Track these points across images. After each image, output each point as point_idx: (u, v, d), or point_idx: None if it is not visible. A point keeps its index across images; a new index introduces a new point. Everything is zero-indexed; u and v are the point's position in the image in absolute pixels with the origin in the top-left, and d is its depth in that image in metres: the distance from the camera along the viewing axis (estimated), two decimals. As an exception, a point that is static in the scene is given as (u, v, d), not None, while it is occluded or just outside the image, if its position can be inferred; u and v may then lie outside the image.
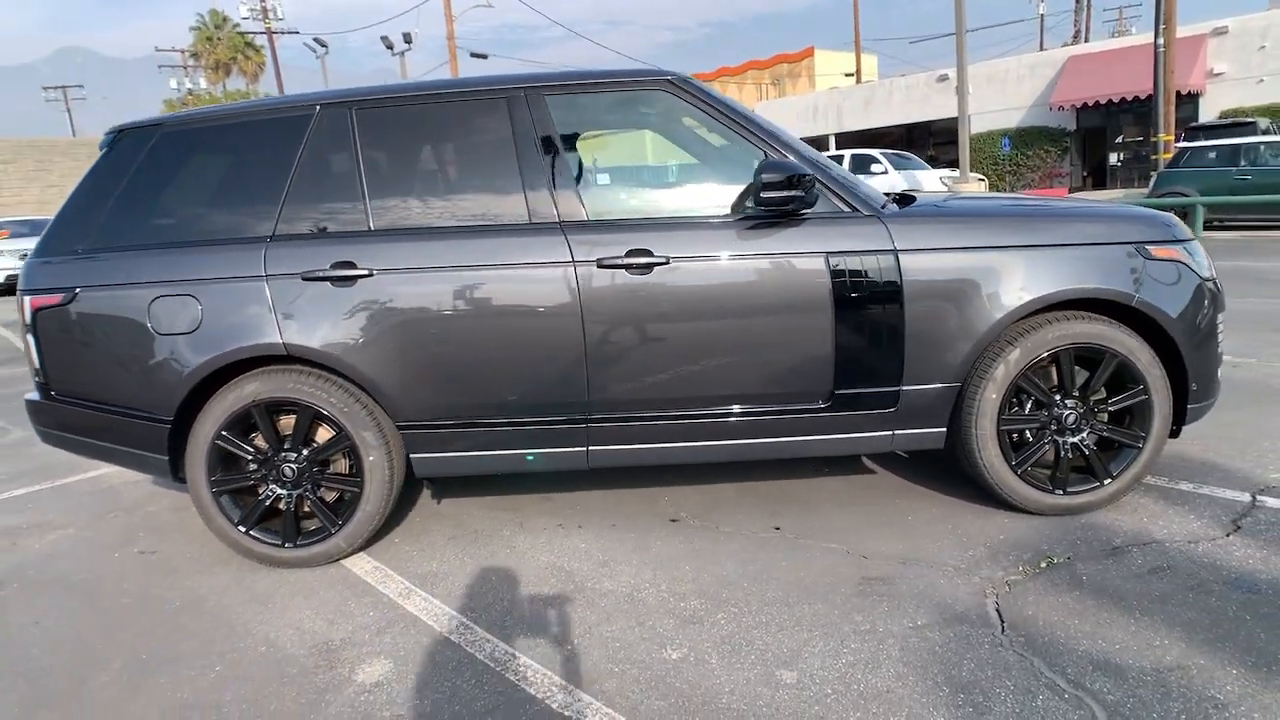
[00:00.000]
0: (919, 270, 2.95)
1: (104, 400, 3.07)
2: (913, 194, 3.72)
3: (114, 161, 3.12)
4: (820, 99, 34.11)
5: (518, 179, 2.99)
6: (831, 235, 2.96)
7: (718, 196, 3.12)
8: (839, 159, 18.58)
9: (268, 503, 3.09)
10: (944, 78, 28.43)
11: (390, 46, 32.58)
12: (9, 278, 16.10)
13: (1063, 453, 3.12)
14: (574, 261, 2.93)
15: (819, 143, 30.76)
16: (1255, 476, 3.39)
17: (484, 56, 36.43)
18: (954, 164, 22.83)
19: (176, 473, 3.10)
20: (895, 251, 2.95)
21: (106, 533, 3.65)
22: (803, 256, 2.94)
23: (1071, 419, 3.10)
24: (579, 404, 3.03)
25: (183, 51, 49.95)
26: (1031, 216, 3.07)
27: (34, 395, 3.17)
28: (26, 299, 3.06)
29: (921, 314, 2.97)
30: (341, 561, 3.16)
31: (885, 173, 17.86)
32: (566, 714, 2.18)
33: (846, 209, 2.99)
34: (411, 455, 3.10)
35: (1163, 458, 3.60)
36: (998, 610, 2.53)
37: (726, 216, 2.98)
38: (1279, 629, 2.32)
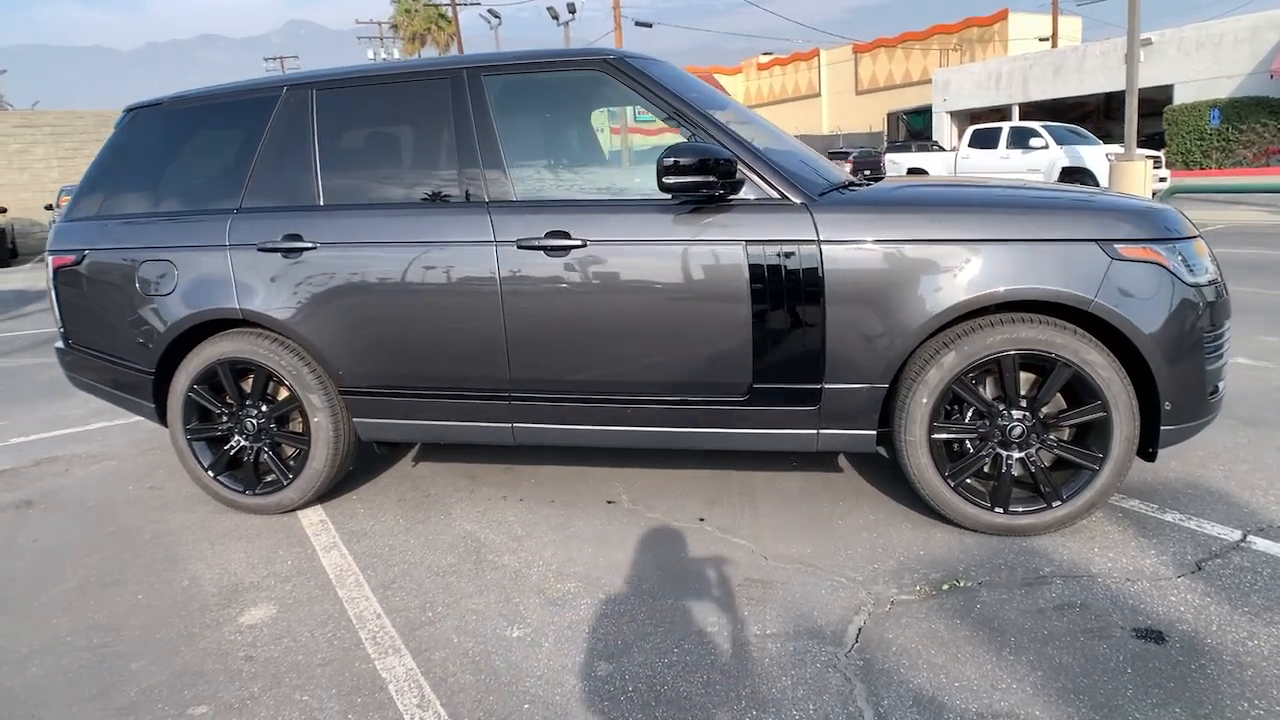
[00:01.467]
0: (842, 263, 2.77)
1: (106, 351, 3.49)
2: (891, 175, 3.46)
3: (124, 136, 3.51)
4: (1004, 65, 31.49)
5: (454, 158, 3.08)
6: (753, 223, 2.83)
7: (648, 180, 3.06)
8: (994, 133, 17.27)
9: (232, 452, 3.41)
10: (1147, 42, 25.44)
11: (555, 17, 33.50)
12: None
13: (1005, 468, 2.85)
14: (495, 241, 2.99)
15: (1003, 113, 28.47)
16: (1260, 511, 2.95)
17: (649, 25, 36.63)
18: (1154, 140, 20.33)
19: (163, 419, 3.48)
20: (818, 242, 2.78)
21: (136, 467, 4.15)
22: (720, 245, 2.84)
23: (1017, 432, 2.82)
24: (502, 381, 3.10)
25: (380, 24, 53.57)
26: (978, 207, 2.78)
27: (59, 344, 3.66)
28: (50, 258, 3.52)
29: (844, 309, 2.79)
30: (297, 512, 3.44)
31: (1045, 147, 16.40)
32: (382, 675, 2.30)
33: (776, 195, 2.85)
34: (354, 419, 3.30)
35: (1168, 480, 3.21)
36: (859, 630, 2.38)
37: (649, 201, 2.92)
38: (1150, 687, 2.05)
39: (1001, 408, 2.82)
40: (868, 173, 29.00)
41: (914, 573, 2.68)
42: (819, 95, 46.79)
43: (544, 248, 2.95)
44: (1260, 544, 2.74)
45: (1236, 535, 2.80)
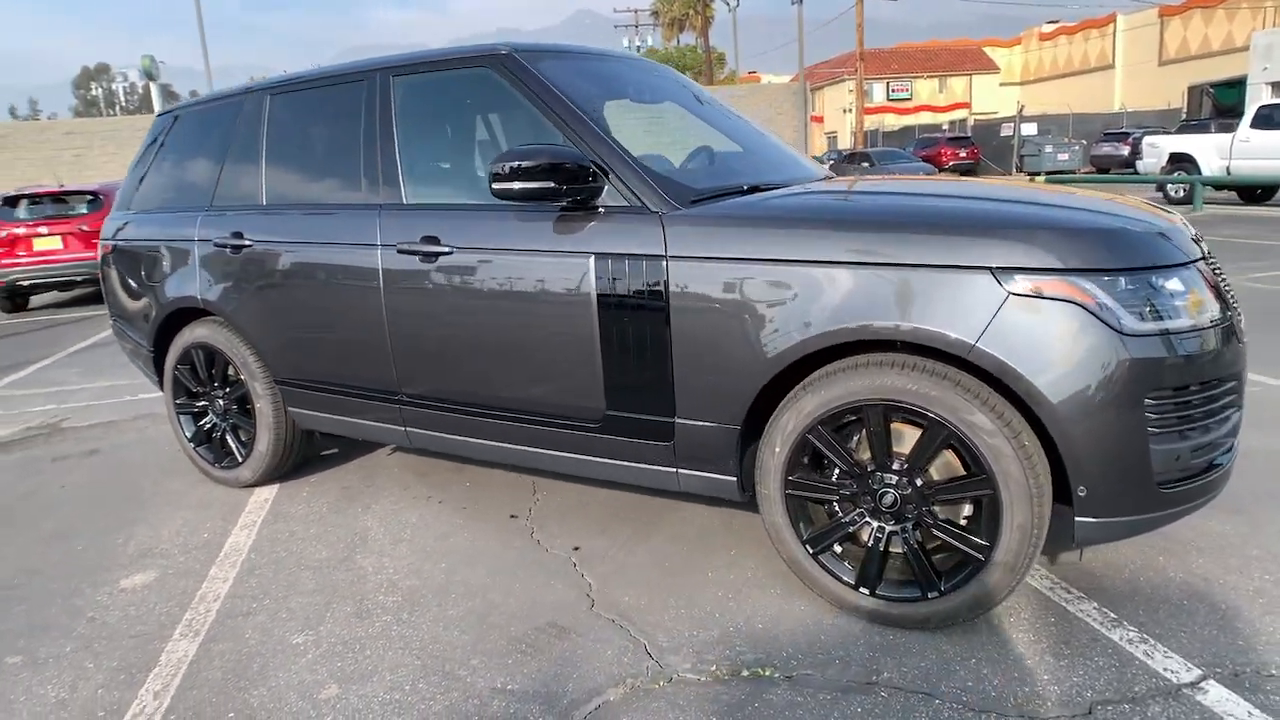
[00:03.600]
0: (689, 282, 2.42)
1: (128, 327, 3.99)
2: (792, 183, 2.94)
3: (150, 136, 3.96)
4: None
5: (359, 161, 3.11)
6: (605, 233, 2.55)
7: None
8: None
9: (206, 428, 3.75)
10: None
11: (800, -3, 32.60)
12: None
13: (874, 543, 2.33)
14: (380, 245, 2.98)
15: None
16: (1251, 642, 2.15)
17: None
18: None
19: (167, 391, 3.92)
20: (665, 258, 2.45)
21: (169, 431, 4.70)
22: (571, 256, 2.60)
23: (888, 500, 2.29)
24: (392, 384, 3.10)
25: (636, 12, 55.48)
26: (845, 222, 2.26)
27: (111, 321, 4.24)
28: (101, 244, 4.08)
29: (690, 336, 2.44)
30: (255, 489, 3.71)
31: None
32: (159, 658, 2.42)
33: (635, 203, 2.55)
34: (288, 408, 3.49)
35: (1161, 580, 2.48)
36: (599, 705, 2.09)
37: (511, 207, 2.74)
38: None
39: (872, 469, 2.31)
40: (867, 165, 24.89)
41: (729, 649, 2.30)
42: (1111, 68, 41.16)
43: (418, 253, 2.89)
44: (1215, 693, 2.00)
45: (1190, 676, 2.07)
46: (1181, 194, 14.64)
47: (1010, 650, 2.22)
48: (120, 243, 3.92)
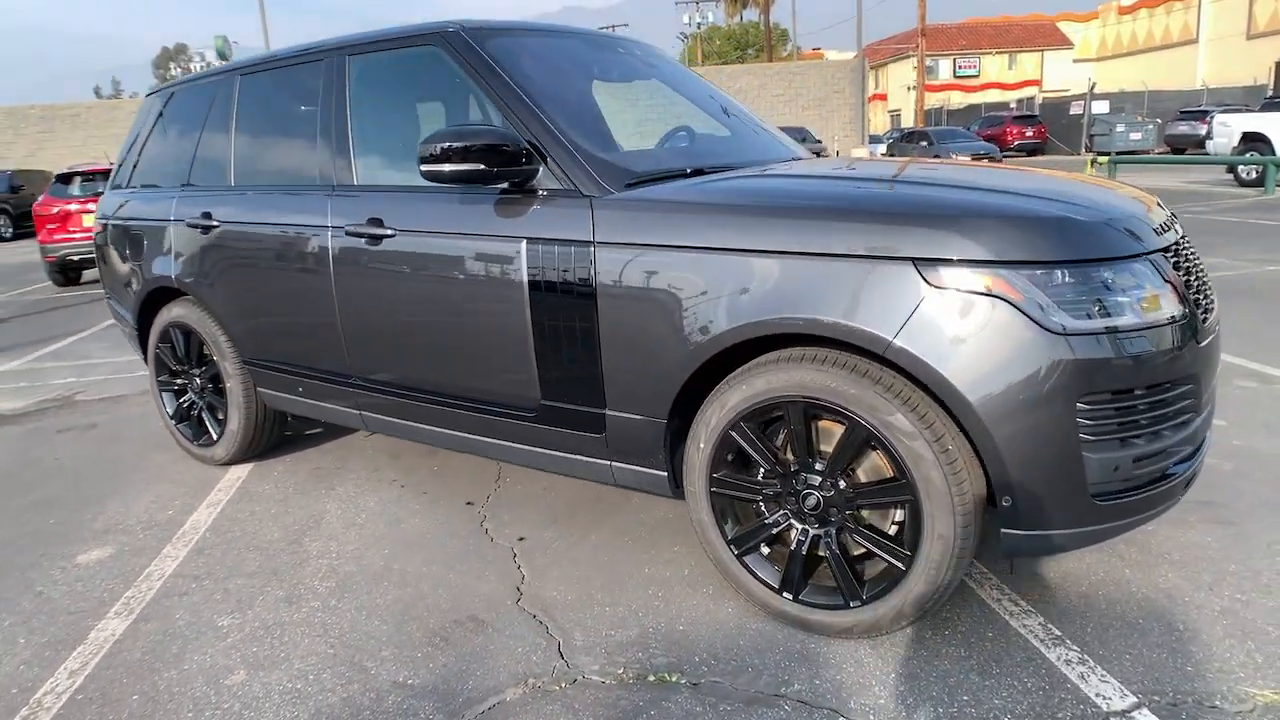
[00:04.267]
0: (615, 270, 2.32)
1: (119, 307, 4.07)
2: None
3: (137, 118, 4.01)
4: None
5: (316, 141, 3.08)
6: (539, 217, 2.47)
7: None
8: None
9: (185, 405, 3.81)
10: None
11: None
12: None
13: (797, 546, 2.22)
14: (330, 227, 2.96)
15: None
16: (1201, 669, 1.97)
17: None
18: None
19: (154, 369, 3.99)
20: (593, 244, 2.35)
21: (190, 405, 4.81)
22: (505, 241, 2.52)
23: (811, 502, 2.17)
24: (345, 366, 3.09)
25: (698, -11, 54.65)
26: (769, 207, 2.13)
27: (106, 298, 4.33)
28: (96, 222, 4.16)
29: (617, 325, 2.34)
30: (230, 466, 3.75)
31: None
32: (89, 635, 2.45)
33: (570, 185, 2.45)
34: (258, 389, 3.51)
35: (1122, 596, 2.32)
36: (493, 705, 2.03)
37: (460, 190, 2.66)
38: None
39: (795, 469, 2.19)
40: (925, 144, 23.58)
41: (643, 650, 2.22)
42: (1194, 42, 38.99)
43: (363, 235, 2.85)
44: (1146, 724, 1.85)
45: (1125, 703, 1.91)
46: (1254, 176, 13.78)
47: (935, 666, 2.09)
48: (111, 221, 3.99)
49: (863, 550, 2.17)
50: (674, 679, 2.10)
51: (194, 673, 2.25)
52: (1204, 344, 2.06)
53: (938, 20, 55.26)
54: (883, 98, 54.45)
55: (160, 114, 3.90)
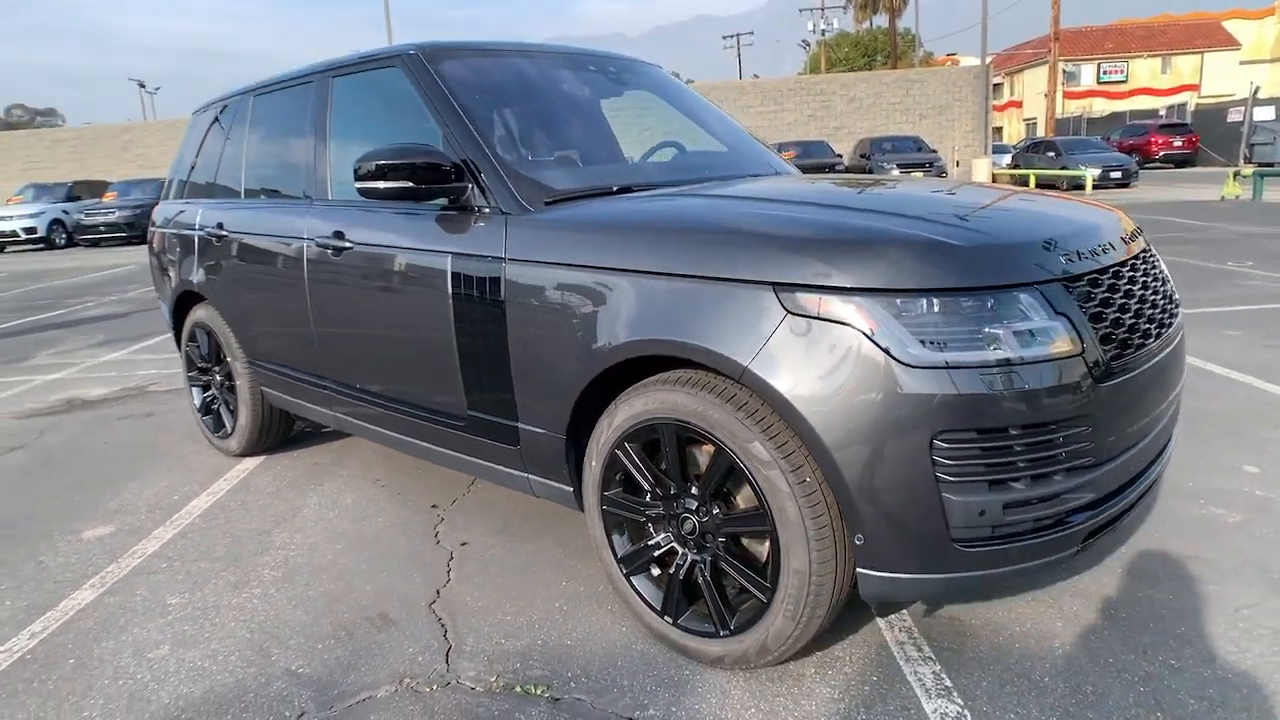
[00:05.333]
0: (519, 287, 2.37)
1: (164, 308, 4.45)
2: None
3: (185, 135, 4.38)
4: None
5: (302, 157, 3.29)
6: (466, 234, 2.56)
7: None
8: None
9: (208, 400, 4.13)
10: None
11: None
12: None
13: (676, 569, 2.19)
14: (306, 238, 3.15)
15: None
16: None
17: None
18: None
19: (191, 365, 4.35)
20: (504, 260, 2.42)
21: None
22: (437, 255, 2.62)
23: (688, 526, 2.14)
24: (320, 368, 3.28)
25: (825, -5, 53.69)
26: (660, 227, 2.12)
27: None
28: (149, 232, 4.57)
29: (521, 341, 2.40)
30: (244, 458, 4.04)
31: None
32: (48, 611, 2.71)
33: (493, 204, 2.52)
34: (262, 388, 3.76)
35: (1042, 655, 2.18)
36: (360, 700, 2.12)
37: (406, 206, 2.78)
38: None
39: (674, 492, 2.17)
40: (1052, 154, 21.24)
41: (523, 661, 2.25)
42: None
43: (329, 247, 3.02)
44: (996, 789, 1.72)
45: (983, 763, 1.79)
46: None
47: (799, 706, 2.01)
48: (158, 231, 4.38)
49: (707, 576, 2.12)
50: (538, 692, 2.12)
51: (127, 644, 2.45)
52: (1121, 381, 1.89)
53: (1084, 21, 52.03)
54: (1017, 105, 51.75)
55: (198, 130, 4.25)
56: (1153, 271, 2.29)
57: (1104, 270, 2.01)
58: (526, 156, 2.78)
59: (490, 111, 2.80)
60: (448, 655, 2.30)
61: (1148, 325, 2.09)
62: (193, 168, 4.21)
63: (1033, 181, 23.32)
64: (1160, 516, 2.90)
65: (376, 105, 3.18)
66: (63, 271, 14.94)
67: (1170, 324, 2.25)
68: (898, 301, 1.77)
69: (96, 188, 22.73)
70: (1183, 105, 36.32)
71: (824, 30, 51.13)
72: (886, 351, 1.75)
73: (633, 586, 2.29)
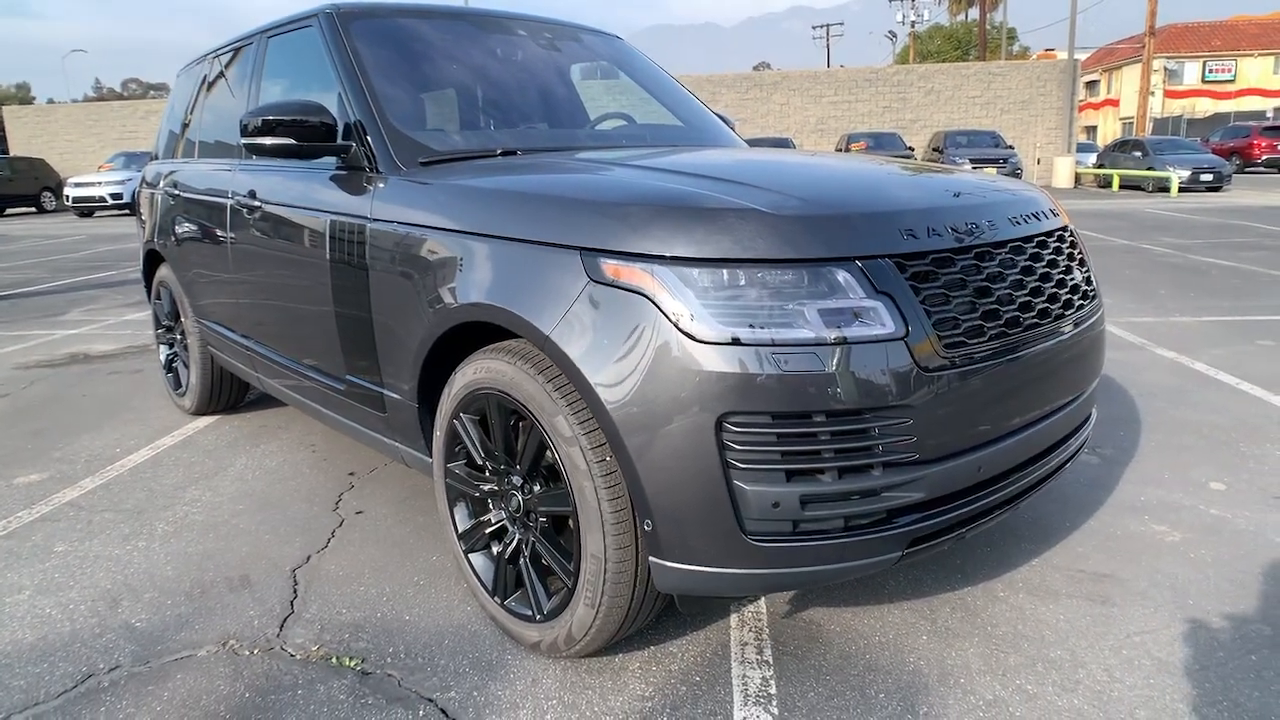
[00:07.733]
0: (378, 249, 2.31)
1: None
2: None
3: (174, 92, 4.47)
4: None
5: (237, 118, 3.29)
6: (342, 194, 2.50)
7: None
8: None
9: (169, 358, 4.22)
10: None
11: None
12: None
13: (504, 548, 2.09)
14: (230, 195, 3.15)
15: None
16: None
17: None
18: None
19: (162, 324, 4.45)
20: (368, 220, 2.35)
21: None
22: (319, 215, 2.58)
23: (514, 503, 2.04)
24: (245, 330, 3.29)
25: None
26: (505, 191, 2.02)
27: (146, 258, 4.87)
28: (133, 193, 4.70)
29: (379, 305, 2.34)
30: (200, 417, 4.11)
31: None
32: None
33: (372, 163, 2.45)
34: (208, 347, 3.81)
35: (893, 669, 2.03)
36: (183, 658, 2.09)
37: (304, 165, 2.75)
38: None
39: (502, 467, 2.07)
40: (1139, 154, 19.35)
41: (351, 633, 2.19)
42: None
43: (245, 206, 3.02)
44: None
45: (767, 778, 1.64)
46: None
47: (605, 701, 1.89)
48: (138, 189, 4.49)
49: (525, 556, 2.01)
50: (351, 664, 2.06)
51: (82, 605, 2.47)
52: (964, 371, 1.71)
53: (1192, 18, 49.00)
54: (1114, 103, 49.14)
55: (175, 91, 4.32)
56: (1051, 258, 2.06)
57: (964, 250, 1.81)
58: (422, 119, 2.70)
59: (394, 72, 2.73)
60: (284, 621, 2.26)
61: (1020, 314, 1.88)
62: (169, 131, 4.29)
63: (1116, 182, 22.11)
64: (1091, 530, 2.66)
65: (299, 65, 3.14)
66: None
67: (1066, 317, 2.03)
68: (694, 272, 1.62)
69: None
70: (1296, 106, 33.82)
71: (913, 22, 49.54)
72: (675, 324, 1.61)
73: (470, 563, 2.21)
